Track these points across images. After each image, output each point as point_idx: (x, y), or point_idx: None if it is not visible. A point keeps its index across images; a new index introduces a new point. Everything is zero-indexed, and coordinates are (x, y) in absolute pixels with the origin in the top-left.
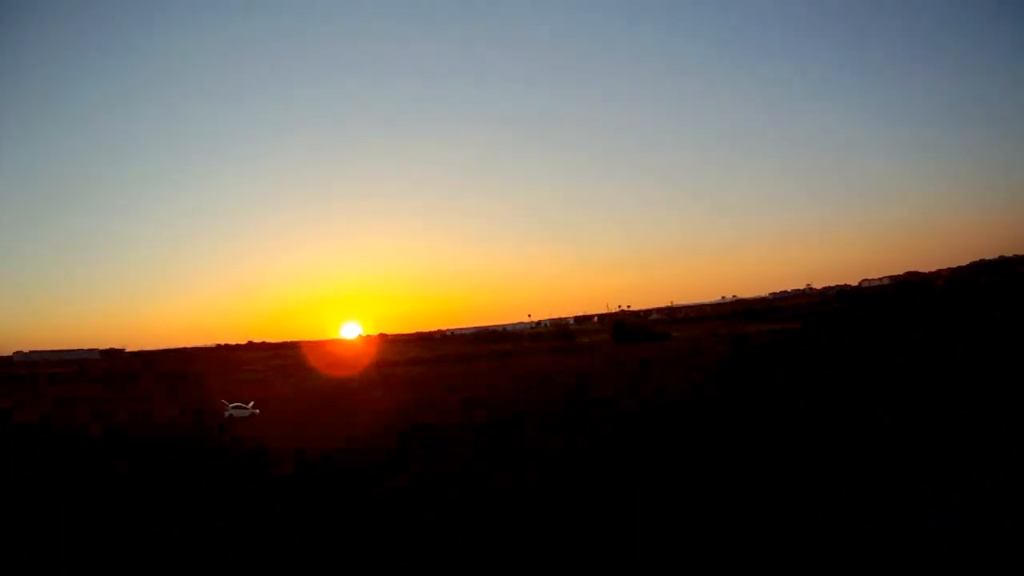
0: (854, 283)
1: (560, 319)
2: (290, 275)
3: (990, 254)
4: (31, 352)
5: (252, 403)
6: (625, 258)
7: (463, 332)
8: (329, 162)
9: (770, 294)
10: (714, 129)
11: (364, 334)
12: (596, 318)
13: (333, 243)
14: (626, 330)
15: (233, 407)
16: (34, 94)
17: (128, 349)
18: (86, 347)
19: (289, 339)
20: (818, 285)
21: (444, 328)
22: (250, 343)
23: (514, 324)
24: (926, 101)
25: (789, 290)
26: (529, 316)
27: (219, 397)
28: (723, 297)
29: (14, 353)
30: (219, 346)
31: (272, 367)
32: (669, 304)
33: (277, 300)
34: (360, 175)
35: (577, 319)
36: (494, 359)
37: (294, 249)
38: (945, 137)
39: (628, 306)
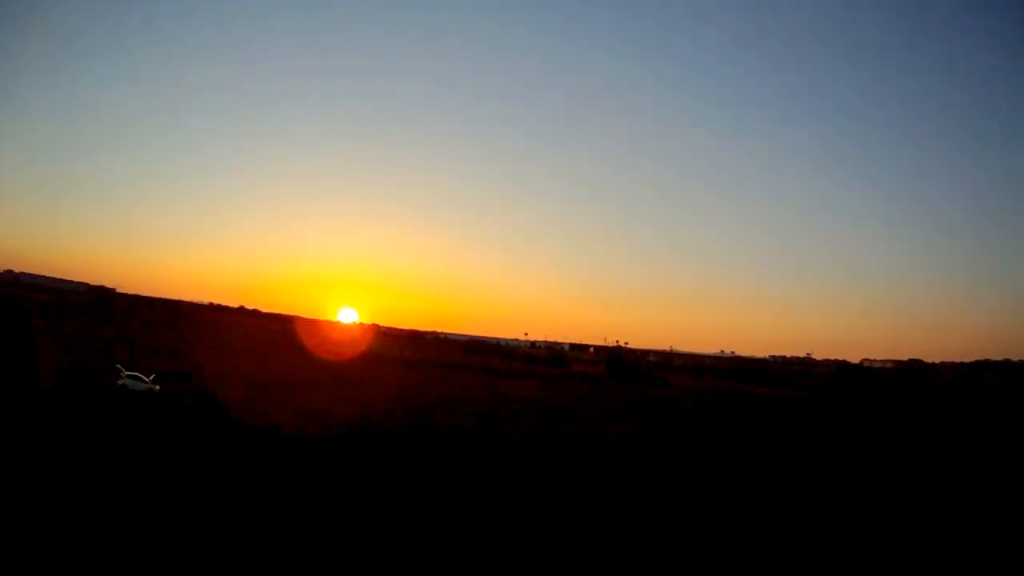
0: (855, 360)
1: (555, 343)
2: (294, 248)
3: (995, 355)
4: (20, 273)
5: (153, 376)
6: (629, 293)
7: (456, 337)
8: (353, 144)
9: (770, 356)
10: (738, 188)
11: (359, 321)
12: (592, 349)
13: (342, 225)
14: (623, 367)
15: (129, 376)
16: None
17: (118, 289)
18: (76, 279)
19: (282, 311)
20: (818, 355)
21: (438, 330)
22: (242, 308)
23: (509, 339)
24: (954, 198)
25: (788, 355)
26: (526, 335)
27: (120, 361)
28: (721, 351)
29: (4, 271)
30: (211, 305)
31: (262, 338)
32: (669, 348)
33: (277, 271)
34: (381, 164)
35: (572, 346)
36: (481, 374)
37: (303, 223)
38: (968, 236)
39: (625, 342)
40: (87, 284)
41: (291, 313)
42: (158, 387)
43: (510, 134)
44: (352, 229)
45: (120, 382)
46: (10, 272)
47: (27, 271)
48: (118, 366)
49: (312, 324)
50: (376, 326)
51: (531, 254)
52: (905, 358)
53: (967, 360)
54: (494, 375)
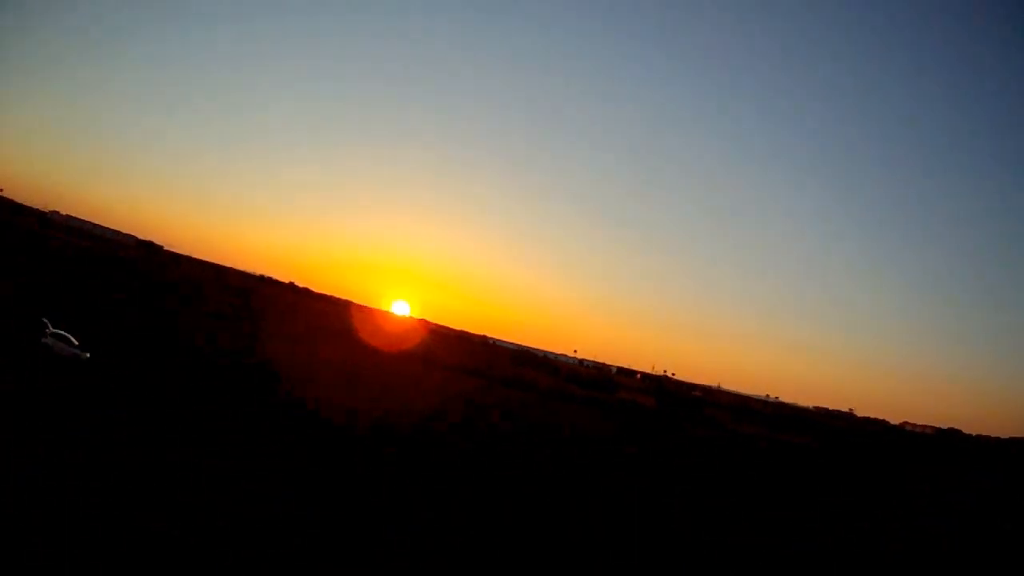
0: (896, 421)
1: (603, 364)
2: (355, 232)
3: None
4: (68, 216)
5: (79, 343)
6: (683, 324)
7: (505, 345)
8: (434, 140)
9: (813, 406)
10: (806, 241)
11: (410, 315)
12: (639, 375)
13: (408, 216)
14: (673, 401)
15: (53, 335)
16: None
17: (167, 248)
18: (124, 230)
19: (333, 293)
20: (860, 412)
21: (488, 334)
22: (292, 284)
23: (558, 354)
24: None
25: (831, 408)
26: (575, 352)
27: (41, 316)
28: (767, 395)
29: (51, 211)
30: (262, 277)
31: (315, 323)
32: (716, 385)
33: (334, 252)
34: (460, 164)
35: (620, 370)
36: (525, 392)
37: (367, 208)
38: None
39: (672, 373)
40: (135, 237)
41: (343, 296)
42: (88, 355)
43: (590, 159)
44: (417, 221)
45: (44, 340)
46: (56, 213)
47: (76, 215)
48: (43, 320)
49: (363, 311)
50: (426, 322)
51: (592, 273)
52: (945, 426)
53: (1002, 436)
54: (533, 391)
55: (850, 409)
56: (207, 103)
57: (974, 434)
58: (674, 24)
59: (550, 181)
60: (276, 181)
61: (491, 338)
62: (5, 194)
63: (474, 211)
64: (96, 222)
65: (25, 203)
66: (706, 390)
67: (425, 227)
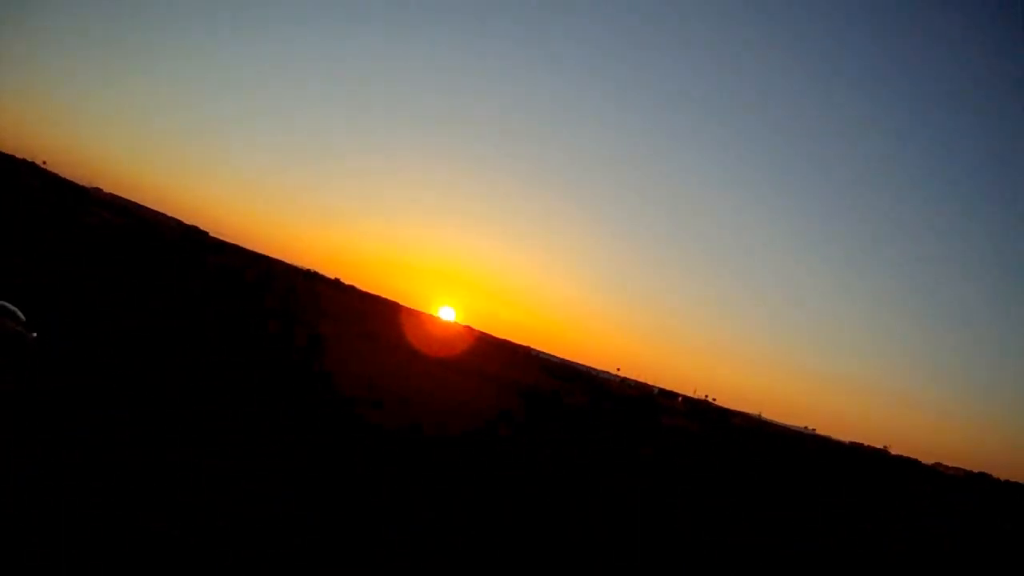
0: (928, 461)
1: (646, 384)
2: (404, 233)
3: None
4: (111, 194)
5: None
6: (726, 348)
7: (548, 358)
8: (490, 149)
9: (848, 441)
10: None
11: (455, 320)
12: (680, 398)
13: (458, 219)
14: (722, 430)
15: None
16: None
17: (211, 234)
18: (168, 212)
19: (380, 293)
20: (893, 450)
21: (531, 345)
22: (337, 281)
23: (599, 370)
24: None
25: (864, 444)
26: (618, 369)
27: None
28: (806, 426)
29: (93, 187)
30: (308, 271)
31: (356, 327)
32: (757, 414)
33: (382, 251)
34: (517, 171)
35: (661, 390)
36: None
37: (418, 210)
38: None
39: (713, 398)
40: (179, 220)
41: (388, 296)
42: (35, 334)
43: (646, 174)
44: (467, 226)
45: None
46: (99, 190)
47: (119, 193)
48: None
49: (408, 313)
50: (471, 329)
51: (638, 283)
52: (976, 469)
53: None
54: (572, 410)
55: (884, 446)
56: (265, 91)
57: (1003, 479)
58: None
59: (602, 199)
60: (328, 175)
61: (535, 349)
62: (48, 167)
63: (525, 221)
64: (141, 202)
65: (68, 177)
66: (746, 418)
67: (475, 233)
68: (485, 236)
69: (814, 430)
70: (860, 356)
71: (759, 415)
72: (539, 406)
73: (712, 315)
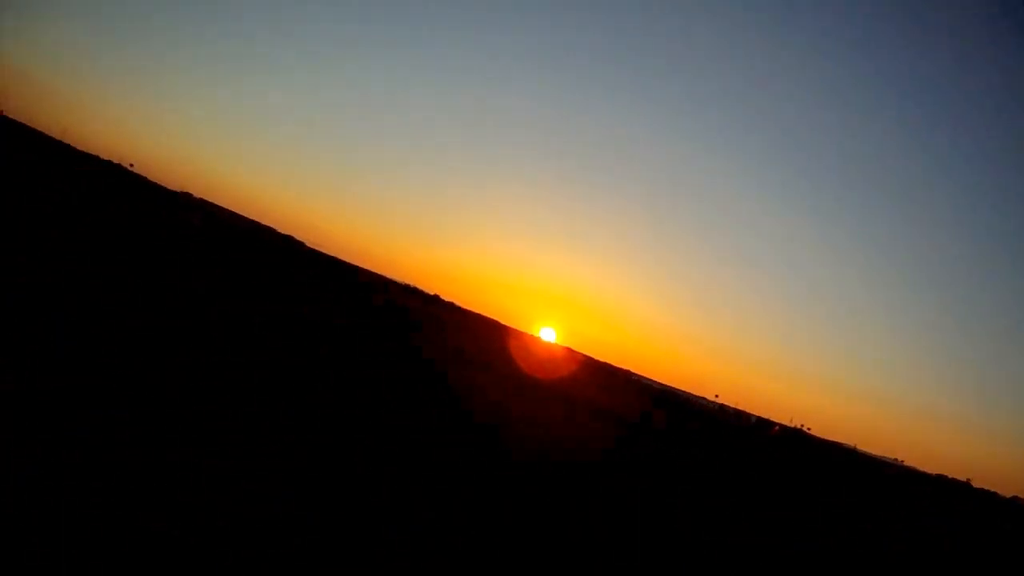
0: (1007, 494)
1: (744, 412)
2: (508, 250)
3: None
4: (203, 199)
5: None
6: (826, 376)
7: (647, 382)
8: (605, 175)
9: (934, 473)
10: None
11: (556, 342)
12: (777, 427)
13: (564, 241)
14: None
15: None
16: None
17: (308, 244)
18: (265, 222)
19: (478, 310)
20: (976, 483)
21: (631, 368)
22: (437, 297)
23: (698, 396)
24: None
25: (948, 476)
26: (716, 396)
27: None
28: (896, 458)
29: (182, 191)
30: (407, 286)
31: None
32: (852, 446)
33: (486, 269)
34: (629, 197)
35: (759, 419)
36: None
37: (523, 226)
38: None
39: (808, 428)
40: (275, 230)
41: (487, 314)
42: None
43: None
44: (571, 247)
45: None
46: (189, 195)
47: (214, 200)
48: None
49: (511, 333)
50: (572, 350)
51: (737, 319)
52: None
53: None
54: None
55: (967, 479)
56: (371, 103)
57: None
58: None
59: (709, 230)
60: (435, 190)
61: (635, 373)
62: (136, 170)
63: (627, 245)
64: (236, 210)
65: (158, 181)
66: (839, 449)
67: (579, 254)
68: (589, 258)
69: (902, 461)
70: (950, 388)
71: (854, 447)
72: (656, 438)
73: (808, 342)
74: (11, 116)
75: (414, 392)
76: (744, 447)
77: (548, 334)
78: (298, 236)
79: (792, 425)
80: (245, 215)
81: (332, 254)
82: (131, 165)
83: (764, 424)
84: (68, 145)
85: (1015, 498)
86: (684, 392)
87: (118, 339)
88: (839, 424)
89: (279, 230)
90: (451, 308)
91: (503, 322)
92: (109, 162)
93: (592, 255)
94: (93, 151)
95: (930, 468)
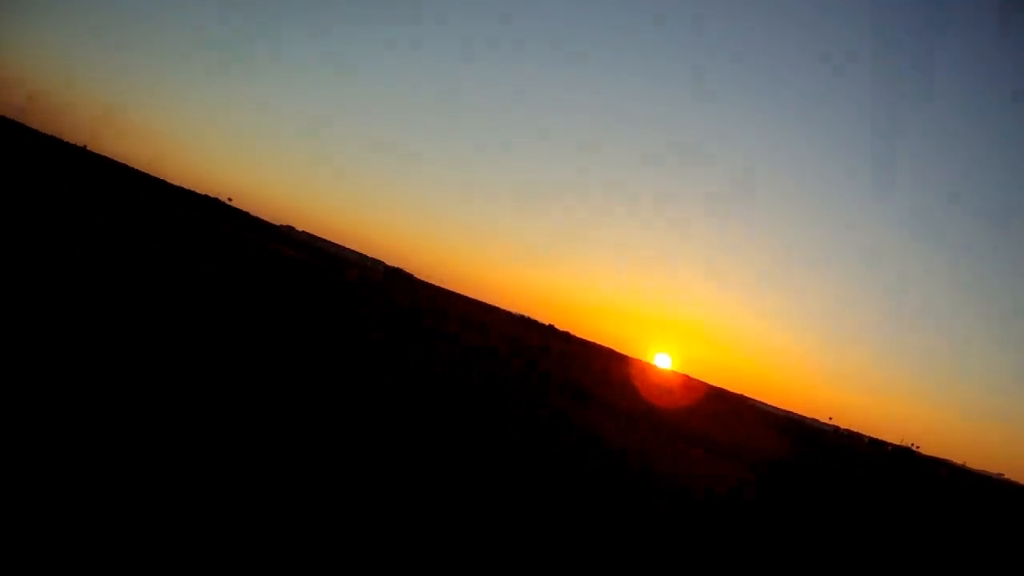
0: None
1: (856, 433)
2: (618, 276)
3: None
4: (303, 231)
5: None
6: (936, 389)
7: (763, 407)
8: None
9: None
10: None
11: (673, 369)
12: (889, 447)
13: (677, 265)
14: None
15: None
16: None
17: (417, 276)
18: (370, 254)
19: (594, 339)
20: None
21: (747, 394)
22: (552, 327)
23: (811, 419)
24: None
25: None
26: (830, 419)
27: None
28: (1001, 473)
29: (284, 225)
30: (522, 317)
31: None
32: (961, 463)
33: (595, 296)
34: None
35: (871, 440)
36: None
37: (633, 253)
38: None
39: (918, 446)
40: (383, 263)
41: (603, 343)
42: None
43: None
44: (684, 272)
45: None
46: (291, 228)
47: (311, 231)
48: None
49: (628, 361)
50: (688, 377)
51: (864, 330)
52: None
53: None
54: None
55: None
56: (475, 130)
57: None
58: None
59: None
60: (546, 220)
61: (750, 398)
62: (234, 203)
63: (739, 267)
64: (339, 242)
65: (258, 215)
66: (951, 468)
67: (693, 279)
68: (696, 279)
69: (1006, 476)
70: None
71: (963, 464)
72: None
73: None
74: (98, 151)
75: (545, 434)
76: (885, 480)
77: (663, 360)
78: (408, 270)
79: (902, 444)
80: (354, 248)
81: (444, 285)
82: (229, 199)
83: (877, 444)
84: (161, 180)
85: None
86: (799, 415)
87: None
88: (947, 437)
89: (387, 263)
90: (566, 338)
91: (618, 350)
92: (207, 196)
93: (698, 275)
94: (188, 185)
95: None
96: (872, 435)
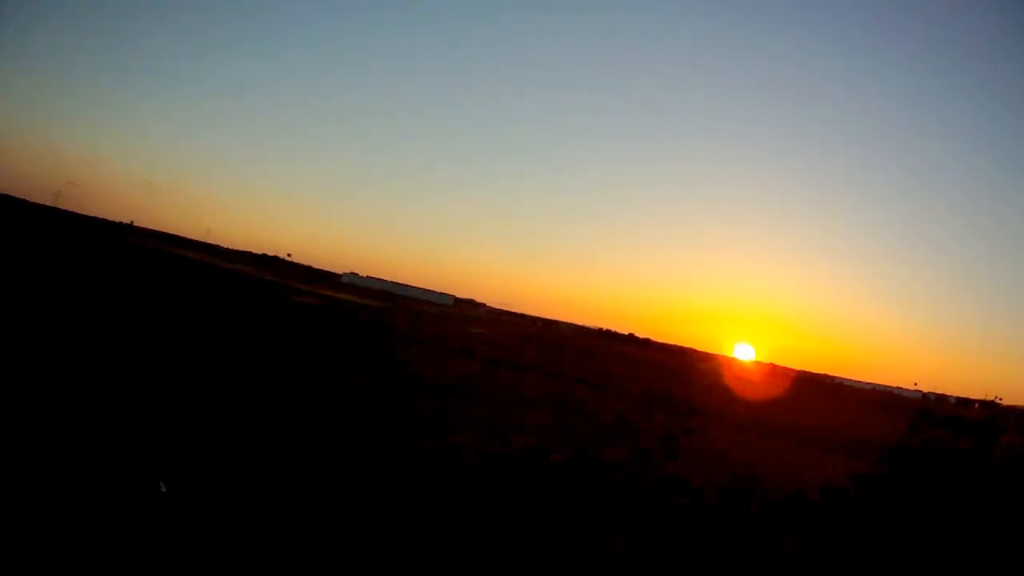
0: None
1: (943, 396)
2: (692, 277)
3: None
4: (366, 277)
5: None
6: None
7: (852, 384)
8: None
9: None
10: None
11: (756, 359)
12: (977, 405)
13: (752, 255)
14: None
15: None
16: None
17: (486, 304)
18: (436, 288)
19: (673, 342)
20: None
21: (835, 374)
22: (632, 336)
23: (898, 388)
24: None
25: None
26: (915, 384)
27: None
28: None
29: (344, 273)
30: (600, 330)
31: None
32: None
33: (668, 299)
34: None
35: (959, 400)
36: None
37: (709, 251)
38: None
39: (1000, 398)
40: (453, 296)
41: (683, 344)
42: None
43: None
44: (754, 262)
45: None
46: (355, 274)
47: (374, 275)
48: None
49: (710, 359)
50: (773, 365)
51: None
52: None
53: None
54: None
55: None
56: (536, 140)
57: None
58: None
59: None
60: (611, 227)
61: (834, 376)
62: (293, 259)
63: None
64: (397, 281)
65: (315, 266)
66: None
67: (763, 266)
68: (771, 268)
69: None
70: None
71: None
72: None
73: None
74: (145, 226)
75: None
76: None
77: (745, 351)
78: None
79: (987, 399)
80: (416, 285)
81: (521, 311)
82: (288, 255)
83: (965, 403)
84: (218, 246)
85: None
86: (885, 386)
87: None
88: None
89: (457, 295)
90: (647, 345)
91: (700, 349)
92: (264, 255)
93: (768, 260)
94: (243, 246)
95: None
96: (955, 394)
